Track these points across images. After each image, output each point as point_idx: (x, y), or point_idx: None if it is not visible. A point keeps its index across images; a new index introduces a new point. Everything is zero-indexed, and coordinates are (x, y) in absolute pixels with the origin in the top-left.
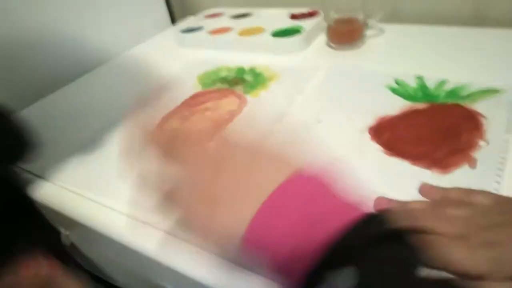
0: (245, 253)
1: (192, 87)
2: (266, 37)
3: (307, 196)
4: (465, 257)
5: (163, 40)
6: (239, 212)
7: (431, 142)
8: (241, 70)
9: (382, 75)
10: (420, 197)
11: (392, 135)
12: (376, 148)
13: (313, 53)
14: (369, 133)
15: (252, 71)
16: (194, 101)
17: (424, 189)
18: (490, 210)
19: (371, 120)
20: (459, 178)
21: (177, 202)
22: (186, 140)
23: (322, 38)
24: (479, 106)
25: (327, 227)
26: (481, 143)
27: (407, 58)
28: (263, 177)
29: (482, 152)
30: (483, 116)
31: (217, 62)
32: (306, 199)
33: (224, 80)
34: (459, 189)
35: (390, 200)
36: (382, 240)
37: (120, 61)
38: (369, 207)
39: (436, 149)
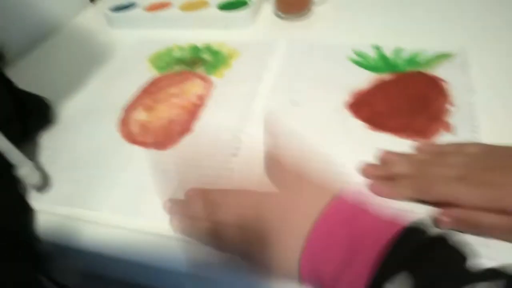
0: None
1: (146, 71)
2: (214, 11)
3: (350, 219)
4: (468, 192)
5: (86, 21)
6: (289, 247)
7: (407, 114)
8: (195, 49)
9: (341, 47)
10: None
11: (371, 110)
12: (359, 124)
13: (263, 25)
14: (348, 110)
15: (208, 49)
16: (154, 87)
17: (420, 146)
18: (482, 157)
19: (346, 96)
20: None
21: (223, 240)
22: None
23: (268, 7)
24: (438, 71)
25: (374, 243)
26: (451, 108)
27: (358, 25)
28: (307, 206)
29: (454, 117)
30: (444, 81)
31: (164, 42)
32: (350, 222)
33: (180, 61)
34: (452, 143)
35: (373, 165)
36: (429, 244)
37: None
38: (405, 220)
39: (414, 119)
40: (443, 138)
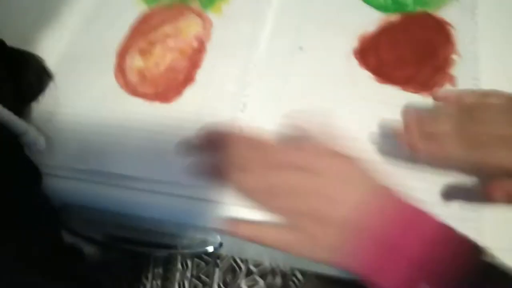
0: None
1: (133, 5)
2: None
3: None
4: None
5: None
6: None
7: (413, 63)
8: None
9: None
10: None
11: (377, 59)
12: (366, 76)
13: None
14: (356, 58)
15: None
16: (146, 26)
17: (440, 95)
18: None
19: (352, 41)
20: None
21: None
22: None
23: None
24: (445, 13)
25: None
26: (455, 57)
27: None
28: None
29: (457, 68)
30: (451, 26)
31: None
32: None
33: None
34: (473, 92)
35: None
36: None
37: None
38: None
39: (419, 70)
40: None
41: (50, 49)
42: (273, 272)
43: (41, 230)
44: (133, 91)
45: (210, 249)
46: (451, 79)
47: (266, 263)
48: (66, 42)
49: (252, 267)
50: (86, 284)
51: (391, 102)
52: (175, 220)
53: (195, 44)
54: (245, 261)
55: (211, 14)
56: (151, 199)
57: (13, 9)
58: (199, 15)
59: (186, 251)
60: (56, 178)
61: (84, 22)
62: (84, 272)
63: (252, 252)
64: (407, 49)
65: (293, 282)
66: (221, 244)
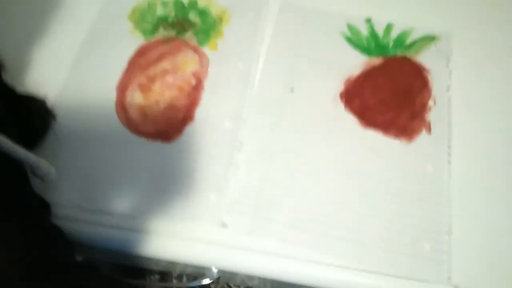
0: None
1: (129, 35)
2: None
3: None
4: None
5: None
6: None
7: (393, 107)
8: (179, 5)
9: (335, 17)
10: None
11: (361, 103)
12: (351, 120)
13: None
14: (341, 100)
15: (193, 6)
16: (144, 60)
17: None
18: None
19: (339, 83)
20: (418, 144)
21: None
22: None
23: None
24: (423, 57)
25: None
26: (430, 102)
27: None
28: None
29: (432, 113)
30: (428, 71)
31: None
32: None
33: (165, 22)
34: None
35: None
36: None
37: None
38: None
39: (398, 115)
40: (418, 138)
41: (48, 86)
42: None
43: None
44: (136, 129)
45: (206, 281)
46: (428, 126)
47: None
48: (64, 77)
49: None
50: None
51: (372, 146)
52: (177, 260)
53: (193, 81)
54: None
55: (207, 50)
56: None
57: (8, 47)
58: (196, 51)
59: (182, 285)
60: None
61: (81, 55)
62: None
63: (244, 278)
64: (388, 93)
65: None
66: (218, 278)
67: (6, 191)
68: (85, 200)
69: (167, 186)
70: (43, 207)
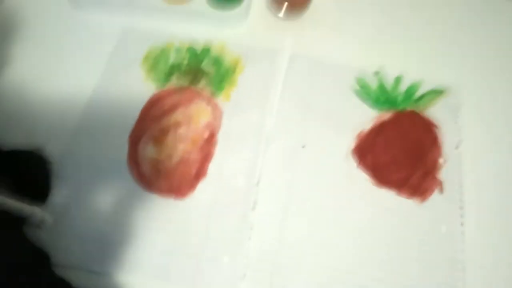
0: None
1: (142, 83)
2: (203, 6)
3: None
4: None
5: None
6: None
7: (406, 165)
8: (193, 52)
9: (345, 70)
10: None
11: (374, 159)
12: (364, 178)
13: (256, 22)
14: (354, 157)
15: (207, 54)
16: (157, 110)
17: None
18: None
19: (351, 139)
20: (431, 204)
21: None
22: None
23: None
24: (432, 112)
25: None
26: (441, 160)
27: (365, 39)
28: None
29: (444, 171)
30: (437, 127)
31: (155, 37)
32: None
33: (178, 70)
34: None
35: None
36: None
37: None
38: None
39: (411, 174)
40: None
41: (57, 138)
42: None
43: None
44: (148, 185)
45: None
46: (440, 185)
47: None
48: (73, 126)
49: None
50: None
51: (385, 206)
52: None
53: (206, 134)
54: None
55: (220, 100)
56: None
57: (15, 95)
58: (209, 102)
59: None
60: None
61: (93, 102)
62: None
63: None
64: (400, 150)
65: None
66: None
67: None
68: (94, 262)
69: (180, 248)
70: (42, 257)
